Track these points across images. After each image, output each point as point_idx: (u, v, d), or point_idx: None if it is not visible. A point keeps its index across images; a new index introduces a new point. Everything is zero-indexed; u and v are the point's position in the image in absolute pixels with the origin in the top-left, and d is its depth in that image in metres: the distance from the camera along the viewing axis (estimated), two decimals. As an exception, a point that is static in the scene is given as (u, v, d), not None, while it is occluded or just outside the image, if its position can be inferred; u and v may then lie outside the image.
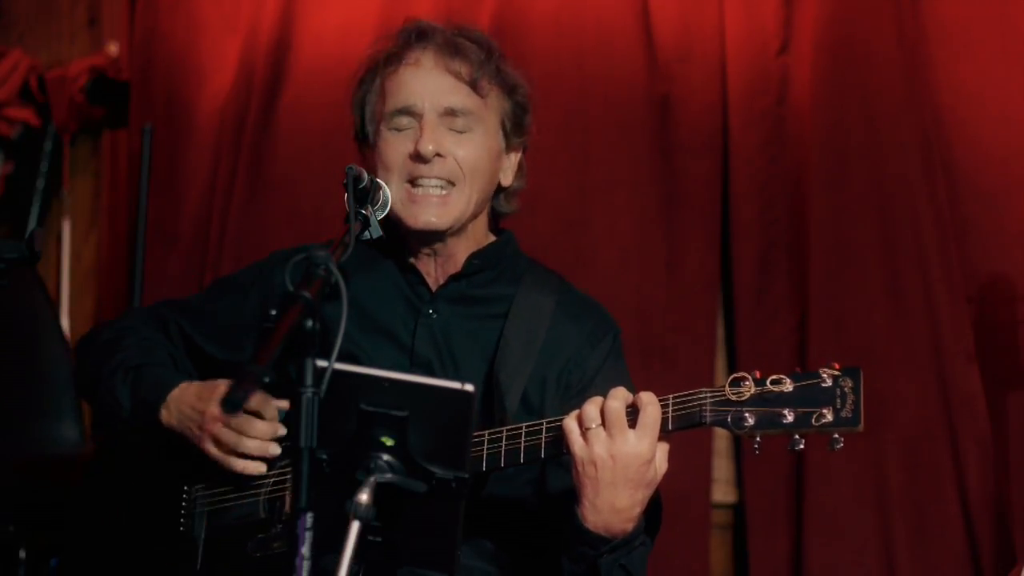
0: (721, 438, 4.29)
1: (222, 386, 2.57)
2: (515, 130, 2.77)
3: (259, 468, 2.59)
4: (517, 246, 2.86)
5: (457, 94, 2.68)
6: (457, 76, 2.68)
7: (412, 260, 2.76)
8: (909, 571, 4.03)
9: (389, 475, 2.13)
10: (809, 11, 4.20)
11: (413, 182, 2.66)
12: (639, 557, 2.52)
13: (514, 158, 2.80)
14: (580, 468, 2.40)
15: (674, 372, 4.21)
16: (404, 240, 2.75)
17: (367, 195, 2.53)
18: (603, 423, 2.39)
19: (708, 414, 2.38)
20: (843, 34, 4.17)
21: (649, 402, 2.39)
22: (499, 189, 2.80)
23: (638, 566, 2.53)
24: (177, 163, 4.59)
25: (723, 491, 4.27)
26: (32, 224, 4.79)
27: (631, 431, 2.37)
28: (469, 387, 2.14)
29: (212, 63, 4.60)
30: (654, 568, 2.63)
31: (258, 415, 2.58)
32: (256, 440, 2.58)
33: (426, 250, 2.74)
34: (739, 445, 4.23)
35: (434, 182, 2.66)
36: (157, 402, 2.65)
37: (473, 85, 2.68)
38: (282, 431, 2.59)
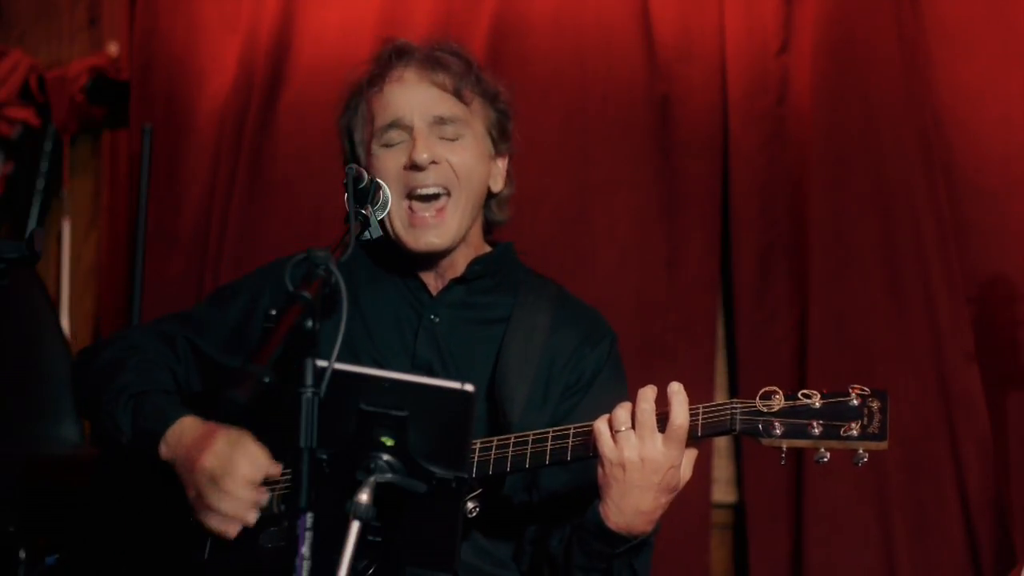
0: (721, 437, 4.28)
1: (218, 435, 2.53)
2: (501, 136, 2.82)
3: (230, 531, 2.53)
4: (516, 256, 2.89)
5: (444, 103, 2.74)
6: (441, 87, 2.74)
7: (413, 268, 2.79)
8: (909, 571, 4.03)
9: (389, 475, 2.14)
10: (809, 11, 4.21)
11: (411, 195, 2.70)
12: (645, 557, 2.57)
13: (502, 164, 2.84)
14: (608, 470, 2.43)
15: (674, 372, 4.20)
16: (405, 253, 2.77)
17: (367, 195, 2.55)
18: (633, 426, 2.41)
19: (738, 422, 2.42)
20: (843, 34, 4.18)
21: (679, 412, 2.40)
22: (489, 196, 2.83)
23: (644, 567, 2.57)
24: (177, 163, 4.59)
25: (723, 491, 4.27)
26: (32, 224, 4.79)
27: (660, 435, 2.40)
28: (469, 387, 2.14)
29: (212, 63, 4.60)
30: (654, 568, 2.64)
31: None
32: (234, 502, 2.51)
33: (427, 265, 2.78)
34: (739, 445, 4.23)
35: (432, 190, 2.69)
36: (156, 436, 2.63)
37: (457, 94, 2.74)
38: (263, 497, 2.53)
